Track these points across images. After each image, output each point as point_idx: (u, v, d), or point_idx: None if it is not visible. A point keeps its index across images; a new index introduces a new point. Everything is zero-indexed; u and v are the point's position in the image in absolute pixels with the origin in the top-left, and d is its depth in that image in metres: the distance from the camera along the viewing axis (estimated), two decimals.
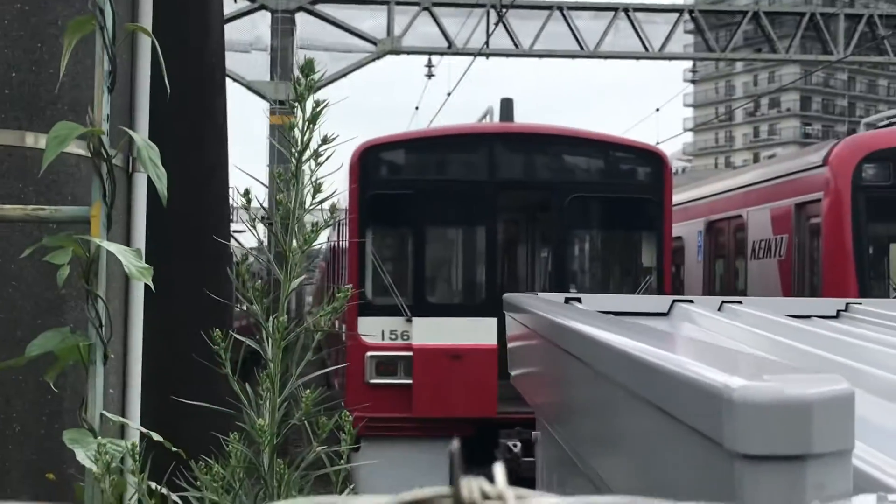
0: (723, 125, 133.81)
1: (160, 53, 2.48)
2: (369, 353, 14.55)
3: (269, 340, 1.90)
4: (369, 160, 14.75)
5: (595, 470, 2.43)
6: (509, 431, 14.59)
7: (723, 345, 2.49)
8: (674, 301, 3.39)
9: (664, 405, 1.89)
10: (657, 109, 35.54)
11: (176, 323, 6.40)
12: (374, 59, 31.26)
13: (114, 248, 1.99)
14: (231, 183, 8.64)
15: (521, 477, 13.60)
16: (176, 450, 2.14)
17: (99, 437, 1.94)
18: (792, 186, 16.51)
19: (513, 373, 3.27)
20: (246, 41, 32.47)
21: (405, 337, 14.63)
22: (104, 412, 2.05)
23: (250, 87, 31.41)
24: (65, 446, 2.92)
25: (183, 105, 6.68)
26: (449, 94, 27.88)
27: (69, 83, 2.92)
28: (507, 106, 16.37)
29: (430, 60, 35.54)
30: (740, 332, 3.53)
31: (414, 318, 14.42)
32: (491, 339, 14.28)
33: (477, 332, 14.41)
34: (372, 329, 14.60)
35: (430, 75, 31.85)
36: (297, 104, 1.98)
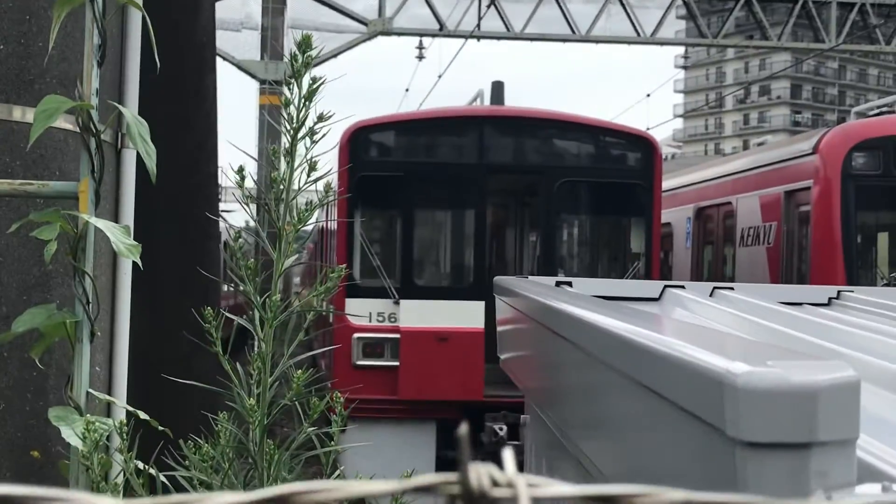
0: (713, 112, 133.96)
1: (151, 28, 2.43)
2: (356, 335, 14.55)
3: (261, 320, 1.87)
4: (359, 141, 14.70)
5: (585, 454, 2.40)
6: (495, 415, 14.63)
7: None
8: (665, 286, 3.36)
9: (661, 390, 1.86)
10: (648, 95, 35.53)
11: (163, 301, 6.36)
12: (364, 40, 31.13)
13: (102, 224, 1.94)
14: (220, 162, 8.59)
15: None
16: (163, 429, 2.10)
17: (86, 415, 1.90)
18: (782, 174, 16.51)
19: (502, 356, 3.25)
20: (236, 20, 32.29)
21: (392, 319, 14.63)
22: (90, 390, 2.02)
23: (240, 66, 31.27)
24: (50, 424, 2.88)
25: (173, 82, 6.63)
26: (440, 77, 27.82)
27: (57, 56, 2.86)
28: (497, 89, 16.32)
29: (420, 42, 35.40)
30: (732, 319, 3.50)
31: (401, 301, 14.42)
32: (478, 323, 14.30)
33: (464, 315, 14.42)
34: (359, 311, 14.59)
35: (420, 57, 31.71)
36: (292, 80, 1.93)
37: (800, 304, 4.36)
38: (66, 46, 2.86)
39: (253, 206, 2.27)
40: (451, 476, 0.74)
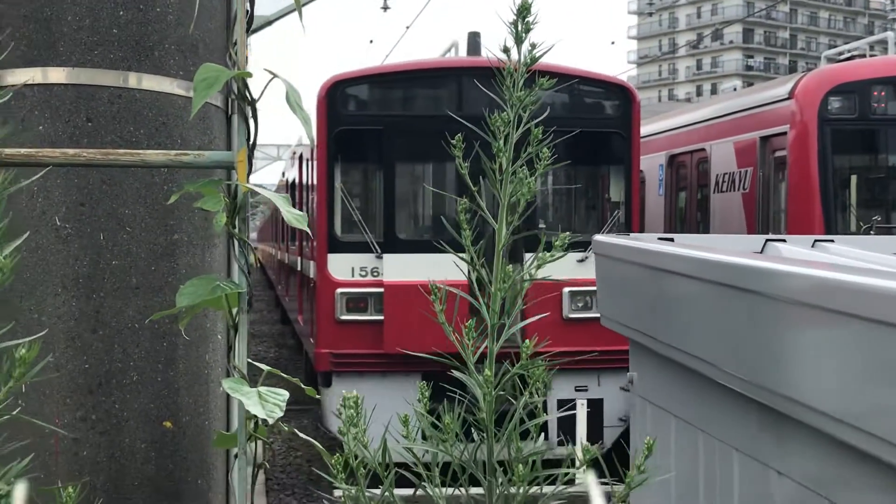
0: (666, 58, 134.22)
1: None
2: (339, 290, 14.55)
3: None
4: (337, 95, 14.61)
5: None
6: (480, 366, 14.75)
7: None
8: (767, 241, 3.40)
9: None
10: (612, 43, 35.47)
11: None
12: None
13: (268, 194, 1.94)
14: None
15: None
16: (318, 396, 2.12)
17: (259, 387, 1.91)
18: (757, 119, 16.64)
19: (605, 314, 3.27)
20: None
21: (375, 273, 14.64)
22: (250, 360, 2.02)
23: None
24: (180, 394, 2.89)
25: None
26: (407, 28, 27.62)
27: (174, 22, 2.83)
28: (474, 40, 16.23)
29: None
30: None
31: (384, 255, 14.42)
32: (461, 275, 14.35)
33: (448, 267, 14.45)
34: (342, 266, 14.59)
35: (385, 7, 31.36)
36: None
37: None
38: (182, 11, 2.82)
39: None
40: None
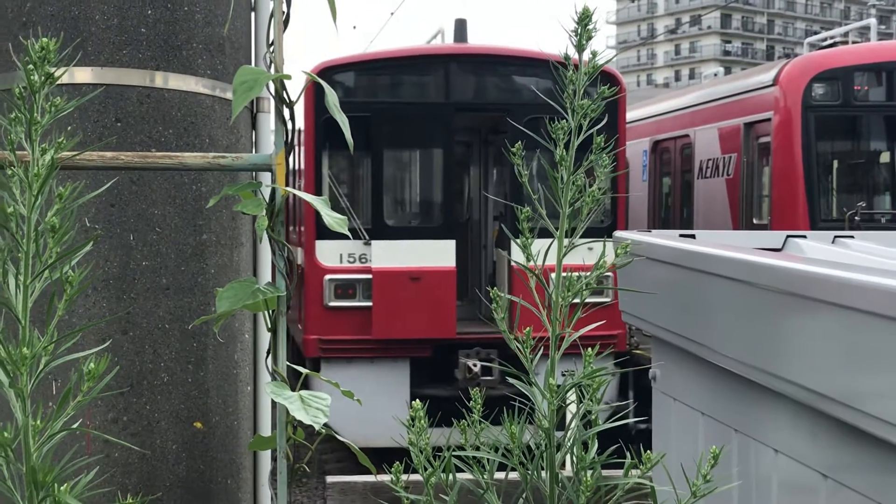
0: (644, 43, 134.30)
1: None
2: (328, 277, 14.54)
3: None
4: (326, 82, 14.55)
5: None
6: (468, 352, 14.78)
7: None
8: (787, 237, 3.41)
9: None
10: (596, 29, 35.24)
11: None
12: None
13: (307, 197, 1.93)
14: None
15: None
16: (357, 399, 2.11)
17: (299, 392, 1.89)
18: (741, 106, 16.67)
19: (627, 310, 3.28)
20: None
21: (363, 260, 14.63)
22: (288, 363, 2.01)
23: None
24: (210, 395, 2.87)
25: None
26: (392, 14, 27.52)
27: (202, 21, 2.78)
28: (460, 27, 16.20)
29: None
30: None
31: (372, 241, 14.41)
32: (450, 261, 14.37)
33: (436, 253, 14.48)
34: (330, 252, 14.58)
35: None
36: None
37: None
38: (209, 10, 2.79)
39: None
40: None
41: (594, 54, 1.70)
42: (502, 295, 1.69)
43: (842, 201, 15.78)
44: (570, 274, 1.61)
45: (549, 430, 1.52)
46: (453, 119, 14.81)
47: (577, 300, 1.60)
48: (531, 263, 1.69)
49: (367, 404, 13.76)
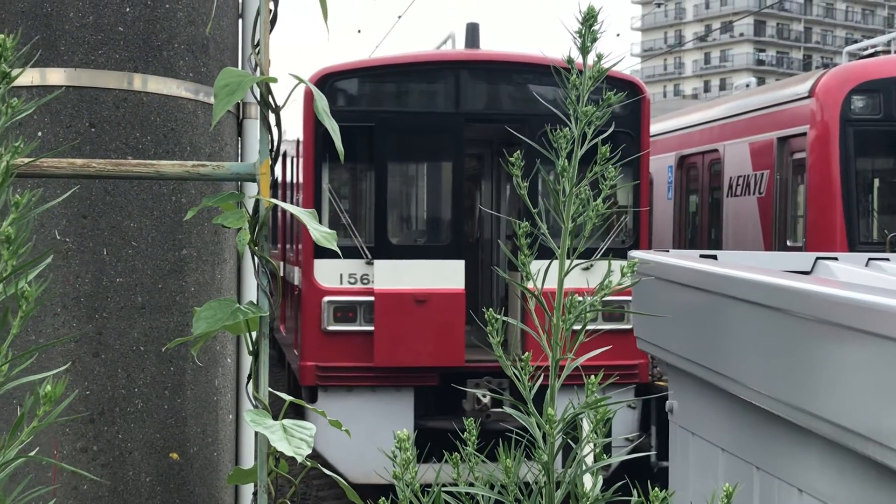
0: (672, 51, 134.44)
1: None
2: (326, 299, 14.47)
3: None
4: (325, 90, 14.53)
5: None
6: (477, 381, 14.68)
7: None
8: (817, 258, 3.39)
9: None
10: (618, 35, 35.52)
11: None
12: None
13: (295, 210, 1.91)
14: None
15: (489, 429, 13.71)
16: (345, 429, 2.09)
17: (282, 421, 1.87)
18: (774, 119, 16.65)
19: (643, 336, 3.25)
20: None
21: (365, 280, 14.56)
22: (271, 389, 1.99)
23: None
24: (187, 424, 2.85)
25: None
26: (399, 17, 27.58)
27: (185, 19, 2.77)
28: (472, 31, 16.17)
29: None
30: None
31: (375, 261, 14.34)
32: (458, 283, 14.30)
33: (443, 275, 14.40)
34: (329, 272, 14.51)
35: None
36: None
37: None
38: (192, 9, 2.77)
39: None
40: None
41: (599, 57, 1.68)
42: (498, 317, 1.67)
43: (883, 223, 15.70)
44: (572, 296, 1.59)
45: (549, 465, 1.50)
46: (464, 130, 14.77)
47: (579, 325, 1.58)
48: (530, 284, 1.68)
49: (367, 437, 13.75)
